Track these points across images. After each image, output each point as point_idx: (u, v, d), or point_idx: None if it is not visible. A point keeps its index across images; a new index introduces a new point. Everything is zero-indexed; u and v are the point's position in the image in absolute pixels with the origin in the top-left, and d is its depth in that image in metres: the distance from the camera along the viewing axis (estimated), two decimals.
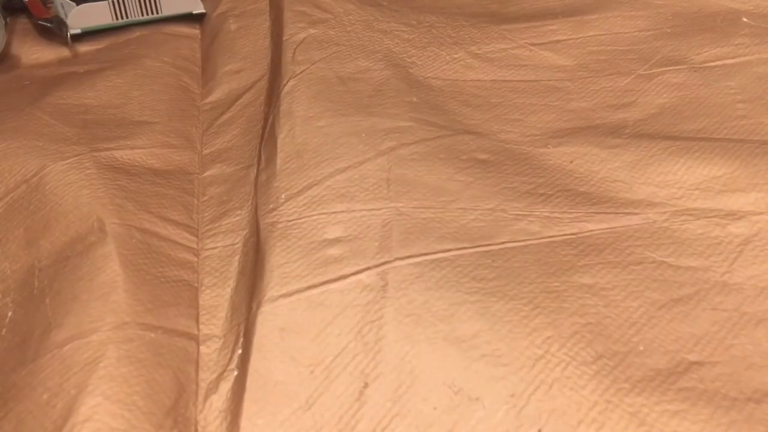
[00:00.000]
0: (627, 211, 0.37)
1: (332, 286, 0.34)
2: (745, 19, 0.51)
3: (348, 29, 0.51)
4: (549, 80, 0.47)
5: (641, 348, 0.31)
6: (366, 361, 0.31)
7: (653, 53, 0.49)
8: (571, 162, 0.41)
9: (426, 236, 0.36)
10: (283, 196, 0.39)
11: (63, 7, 0.54)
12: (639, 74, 0.47)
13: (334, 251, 0.36)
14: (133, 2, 0.54)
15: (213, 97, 0.50)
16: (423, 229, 0.37)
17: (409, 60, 0.49)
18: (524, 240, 0.36)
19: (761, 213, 0.37)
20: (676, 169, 0.40)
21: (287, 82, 0.47)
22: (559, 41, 0.50)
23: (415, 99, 0.45)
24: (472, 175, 0.40)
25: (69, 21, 0.53)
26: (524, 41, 0.50)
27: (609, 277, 0.34)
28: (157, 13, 0.55)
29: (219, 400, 0.32)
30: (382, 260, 0.35)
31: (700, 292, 0.33)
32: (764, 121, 0.43)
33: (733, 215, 0.37)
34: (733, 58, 0.48)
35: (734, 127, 0.42)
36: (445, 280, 0.34)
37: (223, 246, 0.39)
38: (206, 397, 0.32)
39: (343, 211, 0.38)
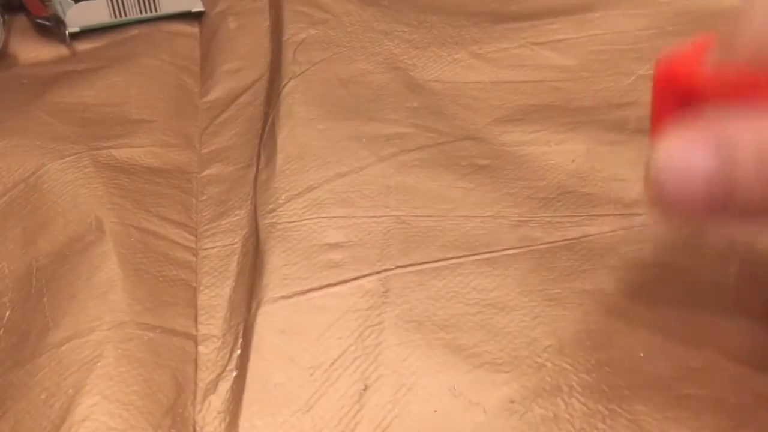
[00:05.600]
0: (630, 212, 0.37)
1: (333, 290, 0.34)
2: None
3: (348, 30, 0.51)
4: (551, 81, 0.47)
5: (642, 354, 0.31)
6: (366, 364, 0.31)
7: (655, 53, 0.48)
8: (573, 161, 0.40)
9: (427, 245, 0.36)
10: (283, 197, 0.39)
11: (61, 5, 0.53)
12: (640, 74, 0.46)
13: (334, 256, 0.36)
14: (132, 0, 0.54)
15: (212, 96, 0.49)
16: (424, 237, 0.36)
17: (409, 62, 0.49)
18: (525, 246, 0.36)
19: None
20: None
21: (288, 82, 0.46)
22: (560, 40, 0.49)
23: (415, 104, 0.45)
24: (473, 182, 0.39)
25: (67, 19, 0.53)
26: (525, 40, 0.50)
27: (611, 282, 0.34)
28: (156, 11, 0.55)
29: (218, 400, 0.31)
30: (383, 267, 0.35)
31: None
32: None
33: None
34: None
35: None
36: (446, 290, 0.34)
37: (222, 246, 0.39)
38: (205, 397, 0.32)
39: (343, 216, 0.38)
